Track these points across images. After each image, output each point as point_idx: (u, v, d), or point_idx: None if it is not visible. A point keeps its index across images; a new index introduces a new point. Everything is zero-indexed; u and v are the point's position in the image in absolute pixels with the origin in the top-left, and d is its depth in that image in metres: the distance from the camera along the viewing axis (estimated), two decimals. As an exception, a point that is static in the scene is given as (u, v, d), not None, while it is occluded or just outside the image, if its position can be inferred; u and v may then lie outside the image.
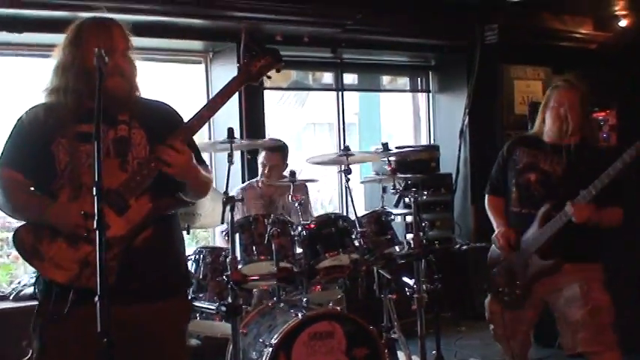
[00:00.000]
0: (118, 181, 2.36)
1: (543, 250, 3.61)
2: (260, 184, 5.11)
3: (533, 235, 3.65)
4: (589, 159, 3.61)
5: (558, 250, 3.59)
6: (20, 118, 2.49)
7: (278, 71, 2.67)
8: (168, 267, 2.54)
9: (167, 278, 2.51)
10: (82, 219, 2.23)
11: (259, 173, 5.13)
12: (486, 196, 4.05)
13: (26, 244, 2.37)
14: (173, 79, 6.16)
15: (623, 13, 7.25)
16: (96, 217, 1.99)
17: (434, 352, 4.73)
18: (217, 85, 5.92)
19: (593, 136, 3.78)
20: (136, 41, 2.56)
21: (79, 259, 2.31)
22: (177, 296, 2.60)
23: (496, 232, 3.85)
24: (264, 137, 5.64)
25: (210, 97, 2.58)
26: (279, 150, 5.03)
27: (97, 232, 1.98)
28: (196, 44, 5.90)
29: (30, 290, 4.75)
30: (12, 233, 2.50)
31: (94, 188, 2.02)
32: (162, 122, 2.53)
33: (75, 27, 2.47)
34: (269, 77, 2.66)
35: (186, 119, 2.63)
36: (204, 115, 2.52)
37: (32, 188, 2.46)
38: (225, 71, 5.88)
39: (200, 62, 6.13)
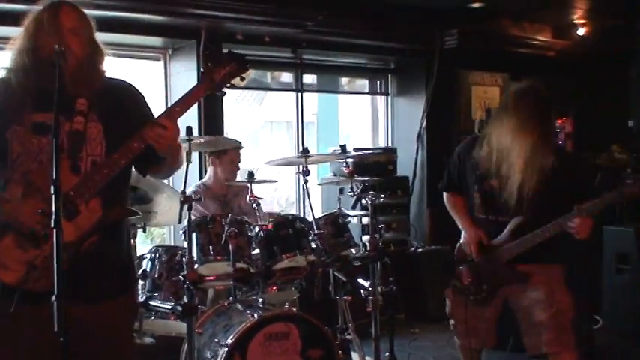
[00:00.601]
0: (68, 183, 2.30)
1: (514, 260, 3.65)
2: (213, 184, 5.05)
3: (506, 245, 3.66)
4: (556, 166, 3.55)
5: (528, 259, 3.63)
6: None
7: (242, 79, 2.60)
8: (116, 270, 2.52)
9: (114, 280, 2.50)
10: (36, 214, 2.20)
11: (210, 176, 5.07)
12: (445, 194, 4.02)
13: None
14: (132, 75, 6.08)
15: (582, 21, 7.42)
16: (53, 216, 1.97)
17: (387, 353, 4.76)
18: (176, 82, 5.92)
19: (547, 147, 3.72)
20: (96, 36, 2.52)
21: (26, 260, 2.28)
22: (124, 295, 2.58)
23: (465, 233, 3.85)
24: (223, 136, 5.61)
25: (169, 105, 2.51)
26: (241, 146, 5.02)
27: (55, 231, 1.95)
28: (156, 41, 5.85)
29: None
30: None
31: (52, 187, 2.00)
32: (123, 115, 2.49)
33: (30, 15, 2.44)
34: (232, 86, 2.60)
35: (143, 96, 2.64)
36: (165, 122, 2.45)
37: None
38: (184, 68, 5.85)
39: (159, 59, 6.08)
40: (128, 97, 2.60)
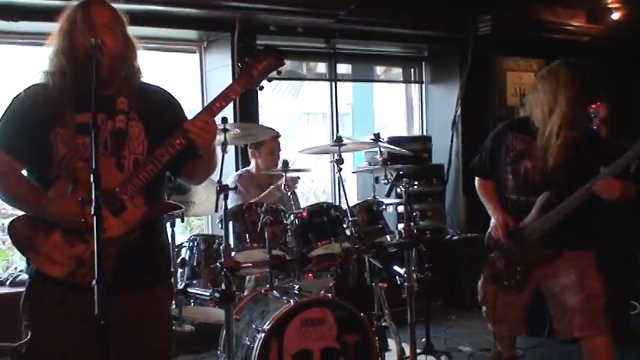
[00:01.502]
0: (114, 180, 2.37)
1: (545, 238, 3.66)
2: (256, 173, 5.13)
3: (535, 223, 3.67)
4: (582, 142, 3.62)
5: (558, 239, 3.63)
6: (18, 95, 2.47)
7: (279, 73, 2.62)
8: (156, 260, 2.59)
9: (155, 270, 2.57)
10: (79, 208, 2.26)
11: (253, 166, 5.15)
12: (476, 178, 4.04)
13: (22, 237, 2.39)
14: (167, 68, 6.17)
15: (616, 5, 7.30)
16: (93, 204, 2.02)
17: (424, 339, 4.80)
18: (211, 74, 5.99)
19: (581, 120, 3.71)
20: (131, 30, 2.55)
21: (74, 256, 2.34)
22: (163, 283, 2.65)
23: (493, 218, 3.87)
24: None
25: (209, 101, 2.54)
26: (278, 135, 5.08)
27: (95, 218, 2.00)
28: (191, 33, 5.92)
29: (26, 276, 4.79)
30: (7, 221, 2.53)
31: (91, 175, 2.06)
32: (161, 115, 2.54)
33: (64, 13, 2.47)
34: (270, 80, 2.62)
35: (181, 104, 2.67)
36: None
37: (25, 173, 2.47)
38: (219, 61, 5.91)
39: (194, 52, 6.16)
40: (166, 101, 2.64)
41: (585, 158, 3.58)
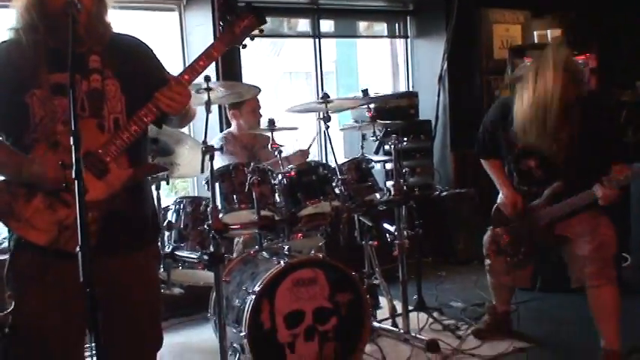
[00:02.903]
0: (96, 142, 2.30)
1: (554, 225, 3.74)
2: (239, 134, 5.04)
3: (543, 210, 3.75)
4: (584, 134, 3.61)
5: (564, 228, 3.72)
6: None
7: (261, 32, 2.59)
8: (143, 223, 2.54)
9: (142, 233, 2.53)
10: (60, 171, 2.18)
11: (234, 127, 5.06)
12: (482, 160, 4.12)
13: (1, 203, 2.31)
14: (146, 27, 6.03)
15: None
16: (74, 167, 1.93)
17: (415, 296, 4.80)
18: (191, 32, 5.85)
19: (580, 91, 3.62)
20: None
21: (57, 221, 2.27)
22: (150, 246, 2.62)
23: (502, 194, 3.95)
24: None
25: (192, 61, 2.47)
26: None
27: (76, 182, 1.92)
28: (169, -9, 5.78)
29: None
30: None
31: (71, 137, 1.96)
32: (136, 68, 2.45)
33: None
34: (252, 38, 2.59)
35: (154, 52, 2.59)
36: (185, 79, 2.43)
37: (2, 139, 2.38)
38: (199, 18, 5.76)
39: (173, 10, 6.00)
40: (138, 51, 2.55)
41: (592, 149, 3.59)
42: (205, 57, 2.47)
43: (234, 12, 2.56)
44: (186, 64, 5.78)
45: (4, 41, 2.38)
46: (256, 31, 2.59)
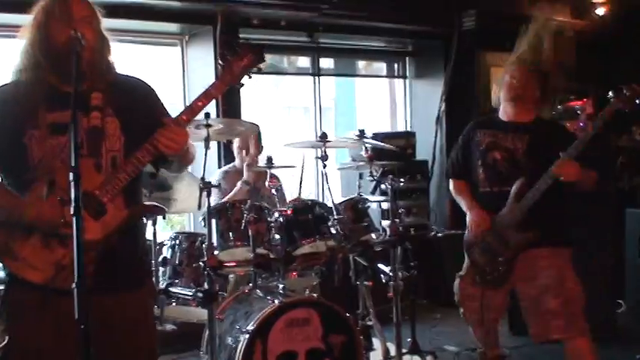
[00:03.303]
0: (93, 182, 2.29)
1: (521, 224, 3.69)
2: (241, 169, 5.03)
3: (510, 211, 3.72)
4: (548, 132, 3.81)
5: (534, 223, 3.67)
6: None
7: (259, 70, 2.59)
8: (138, 262, 2.55)
9: (136, 272, 2.53)
10: (57, 210, 2.20)
11: (241, 159, 5.05)
12: (450, 181, 4.17)
13: None
14: (148, 62, 6.07)
15: (601, 1, 7.27)
16: (73, 203, 1.93)
17: (409, 339, 4.76)
18: (193, 68, 5.90)
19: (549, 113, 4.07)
20: (112, 22, 2.50)
21: (54, 261, 2.27)
22: (145, 283, 2.62)
23: (469, 214, 3.94)
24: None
25: (191, 101, 2.48)
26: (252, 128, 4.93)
27: (74, 217, 1.92)
28: (172, 27, 5.82)
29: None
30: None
31: (70, 174, 1.97)
32: (137, 107, 2.47)
33: (39, 4, 2.39)
34: (250, 77, 2.59)
35: (156, 93, 2.61)
36: (183, 120, 2.44)
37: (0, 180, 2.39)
38: (201, 54, 5.81)
39: (176, 45, 6.06)
40: (141, 91, 2.57)
41: (551, 147, 3.65)
42: (204, 97, 2.47)
43: (233, 51, 2.56)
44: (187, 99, 5.86)
45: (5, 84, 2.40)
46: (255, 69, 2.59)
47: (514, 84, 3.84)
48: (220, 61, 2.56)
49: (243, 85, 2.61)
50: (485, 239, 3.83)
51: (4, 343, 2.31)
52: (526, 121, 3.84)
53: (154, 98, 2.60)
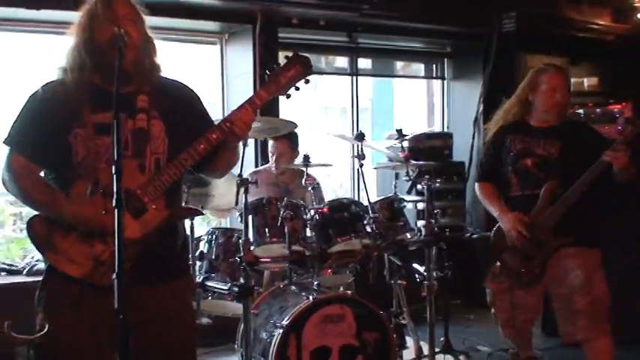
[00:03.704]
0: (135, 182, 2.33)
1: (556, 226, 3.67)
2: (274, 170, 5.08)
3: (544, 213, 3.69)
4: (579, 136, 3.76)
5: (571, 225, 3.65)
6: (35, 93, 2.41)
7: (307, 82, 2.55)
8: (175, 257, 2.56)
9: (173, 267, 2.54)
10: (98, 211, 2.23)
11: (270, 160, 5.11)
12: (478, 184, 4.13)
13: (39, 235, 2.35)
14: (188, 60, 6.15)
15: (642, 5, 7.19)
16: (115, 196, 1.96)
17: (442, 338, 4.76)
18: (232, 67, 5.96)
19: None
20: (152, 20, 2.51)
21: (93, 256, 2.31)
22: (182, 277, 2.62)
23: (500, 220, 3.86)
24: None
25: (233, 110, 2.48)
26: (287, 137, 4.89)
27: (116, 210, 1.95)
28: (212, 25, 5.88)
29: (43, 265, 4.79)
30: (25, 209, 2.49)
31: (113, 167, 1.99)
32: (182, 112, 2.49)
33: (84, 6, 2.41)
34: (297, 89, 2.55)
35: (201, 99, 2.63)
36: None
37: (42, 174, 2.42)
38: (241, 53, 5.87)
39: (215, 43, 6.12)
40: (186, 96, 2.59)
41: (583, 151, 3.63)
42: (248, 105, 2.46)
43: (277, 63, 2.53)
44: (226, 98, 5.89)
45: (51, 81, 2.43)
46: (302, 82, 2.55)
47: (556, 95, 3.76)
48: (267, 71, 2.53)
49: (289, 96, 2.56)
50: (525, 239, 3.79)
51: (45, 331, 2.34)
52: (555, 125, 3.80)
53: (198, 104, 2.62)
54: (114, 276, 1.90)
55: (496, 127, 4.03)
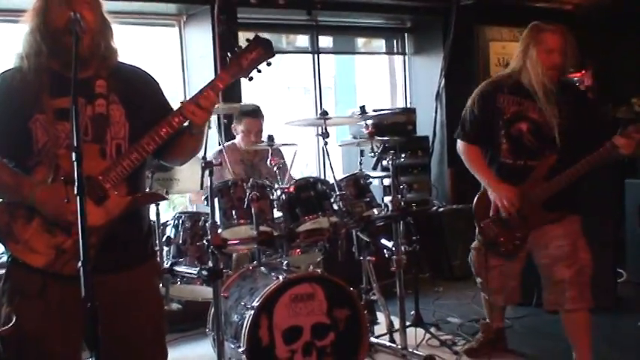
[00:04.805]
0: (97, 168, 2.29)
1: (549, 200, 3.63)
2: (241, 147, 5.09)
3: (538, 188, 3.63)
4: (574, 103, 3.64)
5: (563, 201, 3.63)
6: None
7: (269, 64, 2.53)
8: (139, 243, 2.54)
9: (138, 252, 2.52)
10: (62, 193, 2.19)
11: (240, 139, 5.10)
12: (462, 143, 3.93)
13: (1, 225, 2.31)
14: (146, 43, 6.07)
15: (598, -28, 7.25)
16: (76, 184, 1.94)
17: (412, 312, 4.80)
18: (191, 49, 5.89)
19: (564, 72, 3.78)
20: (109, 5, 2.46)
21: (55, 244, 2.28)
22: (149, 261, 2.61)
23: (496, 189, 3.74)
24: (241, 101, 5.58)
25: (195, 93, 2.43)
26: (260, 115, 5.03)
27: (78, 198, 1.92)
28: (170, 7, 5.79)
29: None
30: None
31: (73, 153, 1.97)
32: (141, 97, 2.47)
33: None
34: (259, 71, 2.53)
35: (159, 84, 2.59)
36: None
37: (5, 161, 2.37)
38: (200, 34, 5.80)
39: (173, 25, 6.04)
40: (145, 81, 2.56)
41: (579, 121, 3.58)
42: (210, 88, 2.43)
43: (237, 46, 2.50)
44: (186, 80, 5.84)
45: (9, 69, 2.39)
46: (264, 64, 2.52)
47: (552, 57, 3.58)
48: (228, 53, 2.51)
49: (252, 78, 2.54)
50: (511, 214, 3.72)
51: (11, 324, 2.31)
52: (551, 87, 3.60)
53: (158, 90, 2.59)
54: (79, 264, 1.88)
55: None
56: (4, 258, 2.39)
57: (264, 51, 2.51)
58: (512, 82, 3.73)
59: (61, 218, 2.25)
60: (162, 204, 4.23)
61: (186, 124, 2.42)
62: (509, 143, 3.72)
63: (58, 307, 2.28)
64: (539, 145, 3.65)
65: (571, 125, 3.58)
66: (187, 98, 2.48)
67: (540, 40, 3.63)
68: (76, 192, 1.94)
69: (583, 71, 6.11)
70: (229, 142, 5.19)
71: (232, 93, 5.62)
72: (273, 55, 2.53)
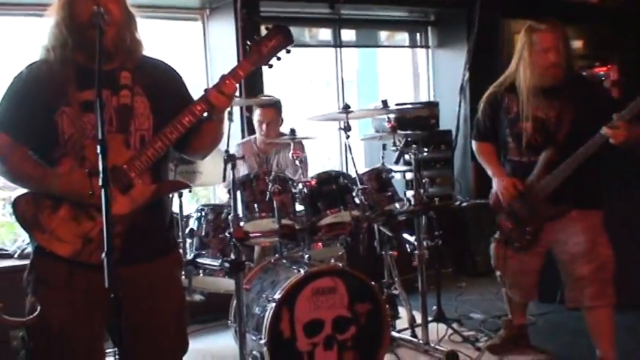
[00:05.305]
0: (122, 157, 2.32)
1: (554, 194, 3.62)
2: (257, 141, 5.11)
3: (542, 181, 3.65)
4: (581, 95, 3.60)
5: (568, 194, 3.61)
6: (20, 74, 2.39)
7: (288, 52, 2.55)
8: (163, 234, 2.56)
9: (162, 243, 2.55)
10: (87, 180, 2.22)
11: (256, 131, 5.12)
12: (475, 142, 4.07)
13: (27, 215, 2.34)
14: (170, 37, 6.09)
15: (627, -34, 7.15)
16: (101, 176, 1.96)
17: (434, 307, 4.78)
18: (214, 42, 5.91)
19: (571, 65, 3.68)
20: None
21: (81, 233, 2.31)
22: (171, 253, 2.62)
23: (495, 181, 3.86)
24: (262, 94, 5.59)
25: (216, 82, 2.45)
26: (273, 106, 5.02)
27: (102, 189, 1.95)
28: (193, 1, 5.84)
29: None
30: (14, 193, 2.47)
31: (98, 146, 1.99)
32: (165, 89, 2.49)
33: None
34: (279, 59, 2.55)
35: (183, 79, 2.61)
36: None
37: (30, 153, 2.40)
38: (223, 28, 5.82)
39: (197, 19, 6.07)
40: (169, 76, 2.59)
41: (586, 112, 3.54)
42: (231, 76, 2.45)
43: (258, 33, 2.53)
44: (209, 73, 5.86)
45: (35, 61, 2.41)
46: (284, 52, 2.55)
47: (549, 56, 3.54)
48: (248, 42, 2.54)
49: (271, 66, 2.57)
50: (513, 207, 3.79)
51: (36, 314, 2.33)
52: (555, 85, 3.59)
53: (181, 83, 2.61)
54: (103, 255, 1.90)
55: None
56: (29, 249, 2.44)
57: (284, 38, 2.53)
58: (511, 83, 3.79)
59: (86, 200, 2.26)
60: (186, 197, 4.26)
61: (205, 114, 2.44)
62: (515, 142, 3.77)
63: (83, 296, 2.31)
64: (543, 142, 3.66)
65: (581, 119, 3.55)
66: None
67: (534, 40, 3.62)
68: (100, 184, 1.96)
69: (609, 65, 6.03)
70: (250, 137, 5.21)
71: (254, 86, 5.64)
72: (292, 43, 2.56)
